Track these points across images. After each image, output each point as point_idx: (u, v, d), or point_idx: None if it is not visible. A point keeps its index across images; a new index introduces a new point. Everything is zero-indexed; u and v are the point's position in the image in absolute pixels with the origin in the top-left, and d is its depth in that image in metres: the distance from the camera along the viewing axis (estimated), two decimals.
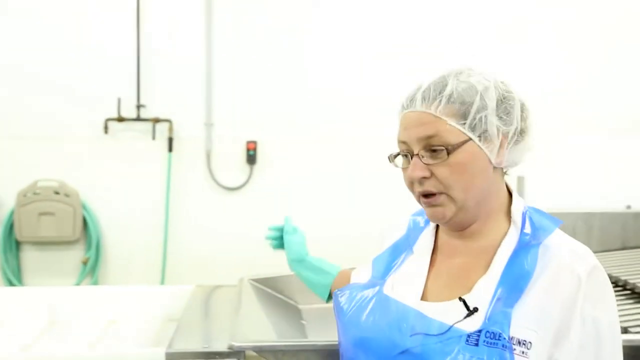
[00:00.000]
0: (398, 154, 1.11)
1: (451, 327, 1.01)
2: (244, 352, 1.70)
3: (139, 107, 3.30)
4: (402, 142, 1.09)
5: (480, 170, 1.05)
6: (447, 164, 1.03)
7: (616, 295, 2.06)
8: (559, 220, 1.10)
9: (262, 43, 3.37)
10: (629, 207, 3.29)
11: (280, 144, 3.41)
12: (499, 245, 1.07)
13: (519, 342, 0.97)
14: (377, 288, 1.18)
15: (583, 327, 0.99)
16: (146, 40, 3.29)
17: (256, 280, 2.37)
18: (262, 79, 3.37)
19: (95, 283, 3.32)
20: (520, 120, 1.09)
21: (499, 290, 1.01)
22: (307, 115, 3.39)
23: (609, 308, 1.02)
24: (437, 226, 1.21)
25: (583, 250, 1.05)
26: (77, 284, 3.29)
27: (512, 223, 1.09)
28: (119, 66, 3.27)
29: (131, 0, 3.25)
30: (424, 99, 1.06)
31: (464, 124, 1.04)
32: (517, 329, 0.98)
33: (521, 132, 1.09)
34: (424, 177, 1.06)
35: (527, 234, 1.06)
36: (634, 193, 3.40)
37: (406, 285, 1.14)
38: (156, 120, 3.32)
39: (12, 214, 3.26)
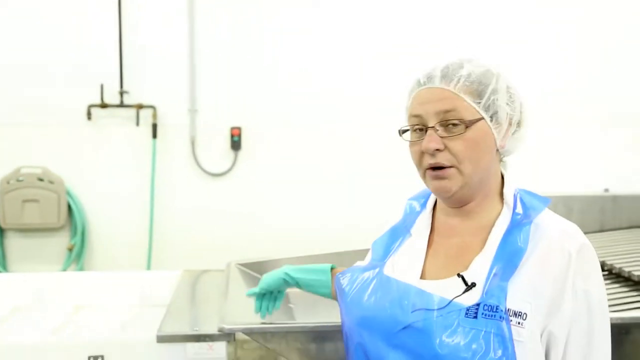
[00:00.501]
0: (406, 130, 1.16)
1: (451, 301, 1.07)
2: (234, 334, 1.74)
3: (122, 93, 3.29)
4: (415, 116, 1.14)
5: (488, 149, 1.12)
6: (462, 138, 1.09)
7: None
8: (548, 200, 1.17)
9: (247, 27, 3.37)
10: (607, 190, 3.37)
11: (265, 130, 3.43)
12: (493, 225, 1.14)
13: (515, 314, 1.04)
14: (377, 269, 1.23)
15: (575, 300, 1.05)
16: (129, 25, 3.27)
17: (243, 265, 2.41)
18: (245, 64, 3.37)
19: (81, 269, 3.33)
20: (520, 111, 1.16)
21: (495, 267, 1.08)
22: (291, 101, 3.41)
23: (598, 283, 1.09)
24: (434, 209, 1.26)
25: (573, 229, 1.12)
26: (63, 270, 3.29)
27: (504, 204, 1.16)
28: (102, 52, 3.25)
29: None
30: (443, 76, 1.12)
31: (479, 103, 1.10)
32: (512, 302, 1.04)
33: (519, 123, 1.16)
34: (437, 150, 1.10)
35: (518, 214, 1.13)
36: (611, 178, 3.49)
37: (406, 265, 1.19)
38: (140, 107, 3.31)
39: None
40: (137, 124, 3.32)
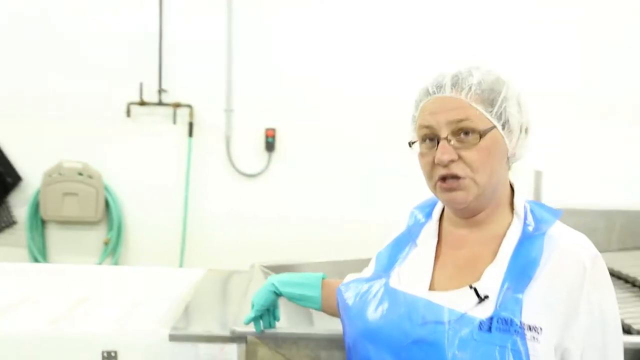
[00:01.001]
0: (415, 141, 1.14)
1: (464, 314, 1.03)
2: (245, 337, 1.74)
3: (160, 91, 3.36)
4: (425, 127, 1.11)
5: (500, 158, 1.10)
6: (476, 148, 1.07)
7: (634, 298, 2.04)
8: (559, 212, 1.14)
9: (284, 31, 3.38)
10: None
11: (299, 132, 3.44)
12: (504, 235, 1.11)
13: (530, 328, 1.00)
14: (383, 280, 1.20)
15: (590, 311, 1.03)
16: (168, 26, 3.34)
17: (267, 267, 2.41)
18: (282, 66, 3.39)
19: (116, 263, 3.41)
20: (527, 118, 1.14)
21: (508, 278, 1.05)
22: (326, 104, 3.40)
23: (611, 295, 1.07)
24: (440, 219, 1.23)
25: (584, 240, 1.09)
26: (99, 263, 3.39)
27: (515, 214, 1.13)
28: (142, 51, 3.32)
29: None
30: (453, 85, 1.09)
31: (491, 111, 1.08)
32: (527, 315, 1.01)
33: (526, 130, 1.13)
34: (452, 161, 1.08)
35: (529, 225, 1.10)
36: None
37: (413, 277, 1.16)
38: (177, 105, 3.37)
39: (37, 193, 3.36)
40: (174, 122, 3.38)
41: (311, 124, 3.42)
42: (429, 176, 1.13)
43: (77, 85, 3.33)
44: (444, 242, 1.19)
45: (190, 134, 3.39)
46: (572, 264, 1.04)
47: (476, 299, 1.04)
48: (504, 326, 1.00)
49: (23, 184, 3.40)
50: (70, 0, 3.30)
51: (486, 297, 1.04)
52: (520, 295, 1.02)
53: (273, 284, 1.52)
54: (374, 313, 1.15)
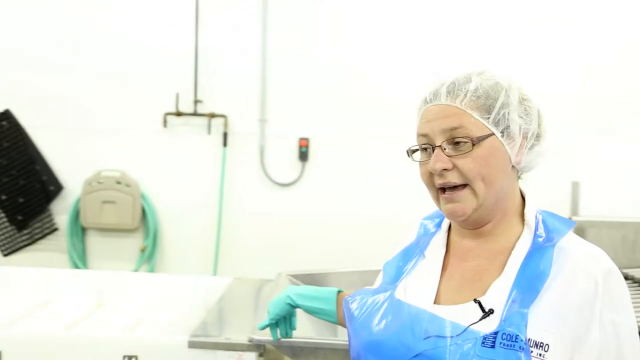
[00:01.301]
0: (417, 149, 1.13)
1: (467, 328, 1.00)
2: (263, 346, 1.75)
3: (196, 102, 3.42)
4: (422, 136, 1.10)
5: (502, 166, 1.06)
6: (471, 156, 1.04)
7: None
8: (572, 222, 1.10)
9: (317, 41, 3.40)
10: None
11: (333, 141, 3.44)
12: (513, 247, 1.07)
13: (536, 345, 0.96)
14: (388, 292, 1.17)
15: (603, 332, 0.98)
16: (204, 37, 3.39)
17: (294, 276, 2.41)
18: (315, 76, 3.40)
19: (152, 270, 3.48)
20: (537, 124, 1.10)
21: (514, 292, 1.01)
22: (360, 113, 3.39)
23: (628, 312, 1.02)
24: (449, 230, 1.20)
25: (597, 252, 1.04)
26: (136, 270, 3.46)
27: (525, 225, 1.09)
28: (178, 63, 3.39)
29: None
30: (449, 92, 1.08)
31: (488, 118, 1.05)
32: (533, 331, 0.97)
33: (537, 136, 1.10)
34: (445, 169, 1.06)
35: (540, 236, 1.06)
36: None
37: (419, 288, 1.13)
38: (212, 116, 3.42)
39: (78, 201, 3.46)
40: (209, 132, 3.44)
41: (345, 134, 3.41)
42: (429, 185, 1.12)
43: (116, 96, 3.42)
44: (452, 253, 1.16)
45: (225, 143, 3.44)
46: (583, 278, 0.99)
47: (480, 313, 1.01)
48: (509, 342, 0.96)
49: (64, 192, 3.51)
50: (110, 15, 3.40)
51: (491, 311, 1.00)
52: (525, 310, 0.98)
53: (289, 296, 1.53)
54: (377, 325, 1.12)
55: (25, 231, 3.51)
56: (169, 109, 3.43)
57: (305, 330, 1.76)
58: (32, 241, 3.52)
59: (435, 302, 1.10)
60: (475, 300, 1.02)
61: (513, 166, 1.08)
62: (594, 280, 0.99)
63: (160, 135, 3.45)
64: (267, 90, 3.43)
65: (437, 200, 1.11)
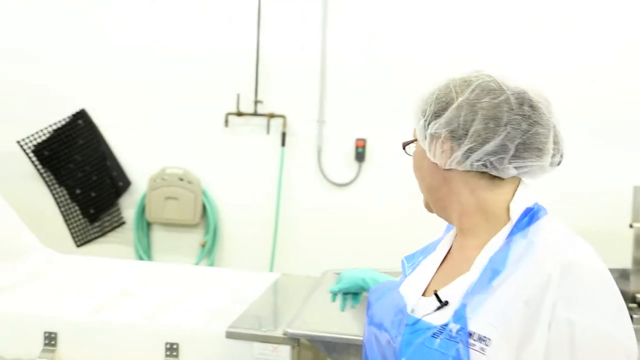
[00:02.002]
0: None
1: (419, 319, 1.05)
2: (298, 339, 1.79)
3: (256, 102, 3.51)
4: None
5: (427, 167, 1.11)
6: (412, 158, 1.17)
7: None
8: (545, 212, 1.05)
9: (375, 42, 3.41)
10: None
11: (390, 142, 3.42)
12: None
13: (480, 338, 0.96)
14: (397, 286, 1.22)
15: (555, 330, 0.93)
16: (265, 39, 3.48)
17: (339, 274, 2.44)
18: (373, 77, 3.42)
19: (212, 264, 3.60)
20: (469, 126, 1.03)
21: (473, 286, 1.01)
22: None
23: (591, 311, 0.94)
24: None
25: (566, 244, 1.00)
26: (196, 264, 3.59)
27: (510, 221, 1.06)
28: (240, 63, 3.49)
29: (252, 1, 3.45)
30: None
31: (417, 125, 1.12)
32: (478, 325, 0.97)
33: (478, 138, 1.02)
34: None
35: (517, 232, 1.03)
36: None
37: (415, 282, 1.18)
38: (271, 116, 3.50)
39: (144, 197, 3.63)
40: (268, 132, 3.52)
41: (402, 134, 3.39)
42: None
43: (180, 97, 3.56)
44: (452, 248, 1.18)
45: (283, 143, 3.51)
46: (537, 274, 0.95)
47: (437, 304, 1.03)
48: (455, 334, 0.97)
49: (132, 188, 3.69)
50: (174, 18, 3.54)
51: (446, 303, 1.02)
52: (466, 302, 0.99)
53: (364, 279, 1.56)
54: (377, 316, 1.18)
55: (96, 224, 3.72)
56: (230, 109, 3.54)
57: (338, 325, 1.79)
58: (102, 233, 3.72)
59: (423, 295, 1.13)
60: (435, 292, 1.05)
61: (492, 172, 1.03)
62: (547, 274, 0.95)
63: (221, 135, 3.56)
64: (325, 91, 3.48)
65: None
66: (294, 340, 1.78)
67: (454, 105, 1.04)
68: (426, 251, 1.26)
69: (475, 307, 0.98)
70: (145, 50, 3.57)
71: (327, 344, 1.75)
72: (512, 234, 1.03)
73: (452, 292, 1.03)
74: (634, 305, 2.31)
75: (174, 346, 1.82)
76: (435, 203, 1.14)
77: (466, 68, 1.12)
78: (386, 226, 3.43)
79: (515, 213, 1.05)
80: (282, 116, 3.51)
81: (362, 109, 3.45)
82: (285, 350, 1.78)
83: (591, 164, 3.20)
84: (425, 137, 1.08)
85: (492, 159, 1.03)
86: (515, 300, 0.96)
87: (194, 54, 3.53)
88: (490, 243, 1.05)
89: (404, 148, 1.19)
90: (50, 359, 1.87)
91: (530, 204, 1.06)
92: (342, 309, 1.63)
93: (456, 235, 1.19)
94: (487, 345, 0.94)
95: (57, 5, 3.62)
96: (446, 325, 0.99)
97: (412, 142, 1.16)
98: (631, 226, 2.42)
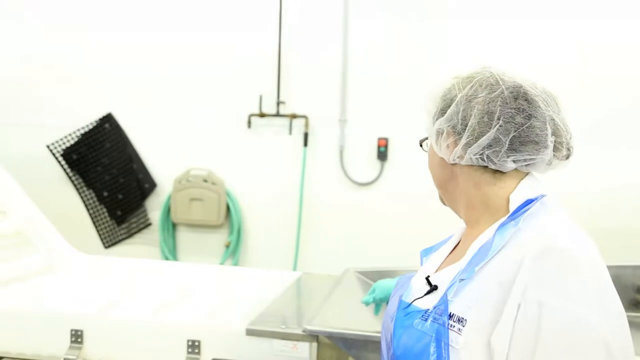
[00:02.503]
0: None
1: (410, 303, 1.12)
2: (317, 336, 1.81)
3: (278, 103, 3.53)
4: None
5: (437, 163, 1.15)
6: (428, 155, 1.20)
7: None
8: (536, 199, 1.05)
9: (395, 41, 3.41)
10: None
11: (412, 141, 3.41)
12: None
13: (458, 320, 1.01)
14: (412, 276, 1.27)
15: (524, 310, 0.94)
16: (287, 40, 3.51)
17: (361, 272, 2.46)
18: (394, 76, 3.42)
19: (236, 264, 3.63)
20: (469, 122, 1.05)
21: (461, 271, 1.06)
22: None
23: (563, 295, 0.93)
24: None
25: (549, 232, 1.00)
26: (221, 264, 3.62)
27: (509, 212, 1.08)
28: (262, 65, 3.53)
29: (274, 3, 3.48)
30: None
31: (429, 121, 1.15)
32: (458, 307, 1.01)
33: (478, 133, 1.04)
34: None
35: (510, 222, 1.04)
36: None
37: (425, 268, 1.22)
38: (293, 116, 3.53)
39: (169, 198, 3.69)
40: (290, 132, 3.54)
41: (423, 133, 3.39)
42: None
43: (204, 99, 3.61)
44: (460, 241, 1.22)
45: (305, 143, 3.53)
46: (511, 258, 0.98)
47: (427, 288, 1.10)
48: (438, 316, 1.03)
49: (157, 190, 3.75)
50: (198, 22, 3.59)
51: (435, 287, 1.08)
52: (446, 286, 1.05)
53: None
54: (390, 304, 1.26)
55: (123, 225, 3.79)
56: (253, 110, 3.57)
57: (357, 323, 1.80)
58: (129, 235, 3.79)
59: None
60: (426, 278, 1.12)
61: (491, 166, 1.06)
62: (520, 257, 0.97)
63: (244, 136, 3.60)
64: (347, 90, 3.49)
65: None
66: (313, 337, 1.80)
67: (455, 102, 1.09)
68: (443, 242, 1.30)
69: (458, 291, 1.03)
70: (169, 54, 3.63)
71: (346, 341, 1.76)
72: (504, 223, 1.04)
73: (443, 278, 1.09)
74: None
75: (196, 343, 1.85)
76: (446, 197, 1.19)
77: (476, 65, 1.14)
78: (408, 225, 3.43)
79: (514, 204, 1.06)
80: (304, 116, 3.53)
81: (384, 108, 3.46)
82: (305, 347, 1.80)
83: (612, 161, 3.15)
84: (433, 134, 1.13)
85: (488, 152, 1.05)
86: (491, 282, 0.99)
87: (217, 57, 3.58)
88: (485, 232, 1.08)
89: (420, 145, 1.22)
90: (76, 356, 1.91)
91: (532, 196, 1.06)
92: (377, 313, 1.69)
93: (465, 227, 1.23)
94: (463, 326, 0.99)
95: (82, 9, 3.70)
96: (434, 308, 1.05)
97: (425, 139, 1.20)
98: None
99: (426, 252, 1.30)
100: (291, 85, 3.54)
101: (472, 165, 1.09)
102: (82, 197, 3.76)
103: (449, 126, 1.09)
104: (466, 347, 0.98)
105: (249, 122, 3.58)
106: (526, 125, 1.03)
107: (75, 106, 3.74)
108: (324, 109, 3.52)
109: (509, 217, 1.05)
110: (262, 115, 3.56)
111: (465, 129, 1.06)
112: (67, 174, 3.73)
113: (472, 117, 1.06)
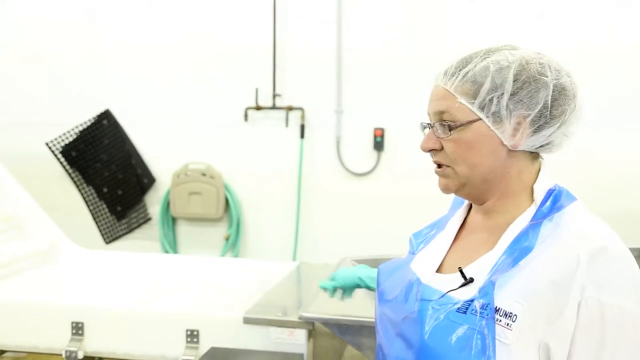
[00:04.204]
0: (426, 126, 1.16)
1: (445, 294, 1.06)
2: (313, 323, 1.83)
3: (274, 96, 3.56)
4: (427, 113, 1.15)
5: (490, 150, 1.06)
6: (453, 140, 1.07)
7: None
8: (573, 198, 1.08)
9: (390, 31, 3.43)
10: None
11: (408, 131, 3.44)
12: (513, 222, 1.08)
13: (505, 314, 0.98)
14: (407, 263, 1.23)
15: (585, 309, 0.96)
16: (281, 33, 3.52)
17: (358, 261, 2.48)
18: (389, 66, 3.43)
19: (236, 256, 3.66)
20: (549, 105, 1.04)
21: (499, 264, 1.03)
22: None
23: (618, 293, 0.96)
24: (471, 205, 1.22)
25: (593, 231, 1.02)
26: (222, 256, 3.65)
27: (533, 202, 1.08)
28: (258, 58, 3.55)
29: None
30: (445, 74, 1.09)
31: (473, 103, 1.05)
32: (504, 302, 0.99)
33: (552, 117, 1.05)
34: (434, 149, 1.10)
35: (543, 212, 1.05)
36: None
37: (428, 259, 1.18)
38: (290, 109, 3.55)
39: (168, 192, 3.72)
40: (287, 125, 3.57)
41: (419, 122, 3.41)
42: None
43: (200, 93, 3.64)
44: (466, 226, 1.19)
45: (302, 135, 3.56)
46: (566, 256, 0.98)
47: (462, 280, 1.05)
48: (481, 310, 0.99)
49: (156, 185, 3.78)
50: (192, 16, 3.61)
51: (471, 280, 1.04)
52: (495, 278, 1.00)
53: (361, 278, 1.59)
54: (389, 293, 1.20)
55: (124, 221, 3.82)
56: (249, 103, 3.60)
57: (352, 309, 1.82)
58: (130, 230, 3.82)
59: (438, 271, 1.14)
60: (459, 269, 1.07)
61: (552, 151, 1.08)
62: (576, 258, 0.97)
63: (241, 129, 3.63)
64: (343, 81, 3.51)
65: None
66: (309, 324, 1.82)
67: (538, 85, 1.04)
68: (436, 227, 1.26)
69: (502, 285, 1.00)
70: (164, 49, 3.65)
71: (341, 327, 1.79)
72: (537, 215, 1.05)
73: (477, 270, 1.05)
74: None
75: (195, 332, 1.88)
76: (481, 185, 1.09)
77: (508, 44, 1.10)
78: (405, 213, 3.45)
79: (539, 194, 1.07)
80: (301, 108, 3.55)
81: (380, 99, 3.48)
82: (301, 334, 1.82)
83: (614, 145, 3.18)
84: (493, 115, 1.04)
85: (553, 137, 1.06)
86: (543, 280, 0.98)
87: (213, 51, 3.60)
88: (515, 223, 1.06)
89: (450, 130, 1.06)
90: (78, 347, 1.95)
91: (551, 185, 1.08)
92: (331, 296, 1.63)
93: (468, 213, 1.19)
94: (512, 321, 0.97)
95: (79, 6, 3.72)
96: (472, 301, 1.01)
97: (472, 122, 1.05)
98: None
99: (416, 237, 1.28)
100: (287, 78, 3.56)
101: (524, 152, 1.07)
102: (82, 194, 3.79)
103: (527, 110, 1.03)
104: (516, 343, 0.97)
105: (246, 116, 3.60)
106: (577, 108, 1.07)
107: (73, 103, 3.77)
108: (320, 100, 3.54)
109: (538, 209, 1.05)
110: (258, 108, 3.58)
111: (546, 115, 1.04)
112: (66, 171, 3.76)
113: (542, 99, 1.03)
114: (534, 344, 0.98)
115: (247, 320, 1.85)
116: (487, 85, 1.04)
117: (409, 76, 3.41)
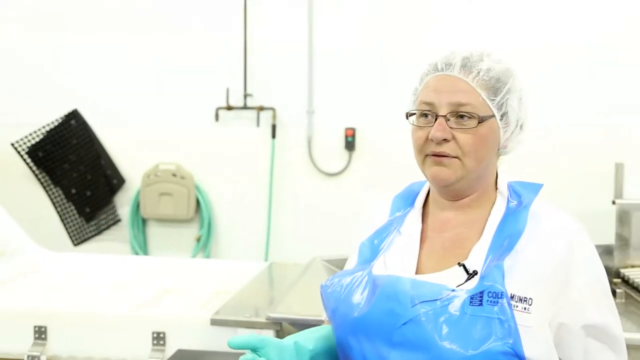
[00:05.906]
0: (413, 114, 1.15)
1: (454, 289, 1.05)
2: (280, 323, 1.82)
3: (245, 96, 3.53)
4: (426, 103, 1.13)
5: (492, 147, 1.13)
6: (472, 132, 1.09)
7: None
8: (539, 186, 1.16)
9: (362, 31, 3.43)
10: None
11: (379, 131, 3.46)
12: (489, 215, 1.14)
13: (520, 299, 1.03)
14: (367, 270, 1.16)
15: (586, 284, 1.07)
16: (252, 32, 3.50)
17: (328, 261, 2.48)
18: (361, 66, 3.44)
19: (208, 257, 3.63)
20: (525, 114, 1.16)
21: (491, 252, 1.08)
22: (406, 102, 3.39)
23: (599, 262, 1.12)
24: (424, 207, 1.22)
25: (567, 215, 1.14)
26: (193, 258, 3.62)
27: (498, 194, 1.16)
28: (228, 59, 3.52)
29: None
30: (463, 66, 1.11)
31: (494, 100, 1.10)
32: (515, 287, 1.04)
33: (522, 126, 1.15)
34: (445, 140, 1.10)
35: (512, 202, 1.14)
36: None
37: (399, 262, 1.15)
38: (261, 109, 3.53)
39: (138, 193, 3.67)
40: (258, 124, 3.55)
41: (391, 122, 3.40)
42: (419, 150, 1.14)
43: (170, 93, 3.59)
44: (429, 227, 1.18)
45: (274, 135, 3.54)
46: (560, 239, 1.08)
47: (465, 275, 1.07)
48: (495, 299, 1.02)
49: (126, 185, 3.72)
50: (162, 15, 3.56)
51: (475, 272, 1.06)
52: (501, 262, 1.05)
53: (297, 343, 1.15)
54: (359, 302, 1.11)
55: (92, 222, 3.76)
56: (220, 103, 3.57)
57: (320, 309, 1.82)
58: (99, 232, 3.76)
59: (417, 273, 1.13)
60: (459, 264, 1.08)
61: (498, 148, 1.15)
62: (569, 240, 1.08)
63: (212, 129, 3.59)
64: (314, 81, 3.50)
65: (423, 163, 1.14)
66: (276, 325, 1.81)
67: (513, 88, 1.13)
68: (382, 234, 1.21)
69: (508, 271, 1.05)
70: (134, 49, 3.60)
71: (309, 327, 1.77)
72: (509, 204, 1.14)
73: (473, 262, 1.08)
74: (618, 280, 2.33)
75: (161, 335, 1.85)
76: (475, 179, 1.13)
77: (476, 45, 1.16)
78: None
79: (504, 188, 1.16)
80: (272, 108, 3.54)
81: (351, 99, 3.48)
82: (269, 335, 1.80)
83: (573, 142, 3.23)
84: (503, 116, 1.12)
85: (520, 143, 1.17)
86: (544, 264, 1.06)
87: (183, 51, 3.56)
88: (493, 214, 1.13)
89: (480, 122, 1.09)
90: (40, 352, 1.91)
91: (507, 180, 1.18)
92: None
93: (427, 212, 1.18)
94: (530, 305, 1.03)
95: (46, 7, 3.65)
96: (482, 291, 1.03)
97: (490, 117, 1.10)
98: (614, 203, 2.44)
99: (365, 245, 1.20)
100: (258, 78, 3.54)
101: (497, 150, 1.15)
102: (49, 195, 3.72)
103: (520, 112, 1.14)
104: (536, 326, 1.03)
105: (217, 116, 3.57)
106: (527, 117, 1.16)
107: (40, 103, 3.69)
108: (291, 100, 3.53)
109: (508, 200, 1.14)
110: (229, 108, 3.55)
111: (520, 118, 1.14)
112: (33, 172, 3.69)
113: (526, 107, 1.15)
114: (546, 325, 1.04)
115: (215, 322, 1.83)
116: (508, 86, 1.11)
117: (380, 76, 3.42)
